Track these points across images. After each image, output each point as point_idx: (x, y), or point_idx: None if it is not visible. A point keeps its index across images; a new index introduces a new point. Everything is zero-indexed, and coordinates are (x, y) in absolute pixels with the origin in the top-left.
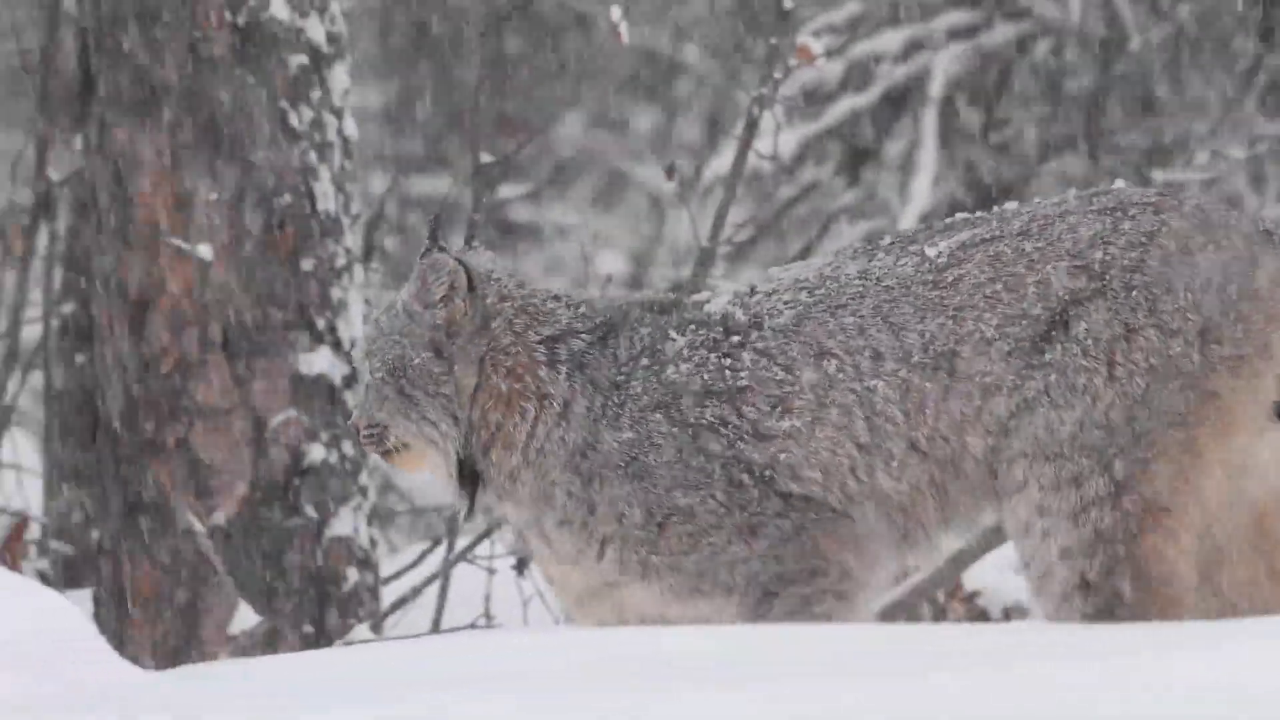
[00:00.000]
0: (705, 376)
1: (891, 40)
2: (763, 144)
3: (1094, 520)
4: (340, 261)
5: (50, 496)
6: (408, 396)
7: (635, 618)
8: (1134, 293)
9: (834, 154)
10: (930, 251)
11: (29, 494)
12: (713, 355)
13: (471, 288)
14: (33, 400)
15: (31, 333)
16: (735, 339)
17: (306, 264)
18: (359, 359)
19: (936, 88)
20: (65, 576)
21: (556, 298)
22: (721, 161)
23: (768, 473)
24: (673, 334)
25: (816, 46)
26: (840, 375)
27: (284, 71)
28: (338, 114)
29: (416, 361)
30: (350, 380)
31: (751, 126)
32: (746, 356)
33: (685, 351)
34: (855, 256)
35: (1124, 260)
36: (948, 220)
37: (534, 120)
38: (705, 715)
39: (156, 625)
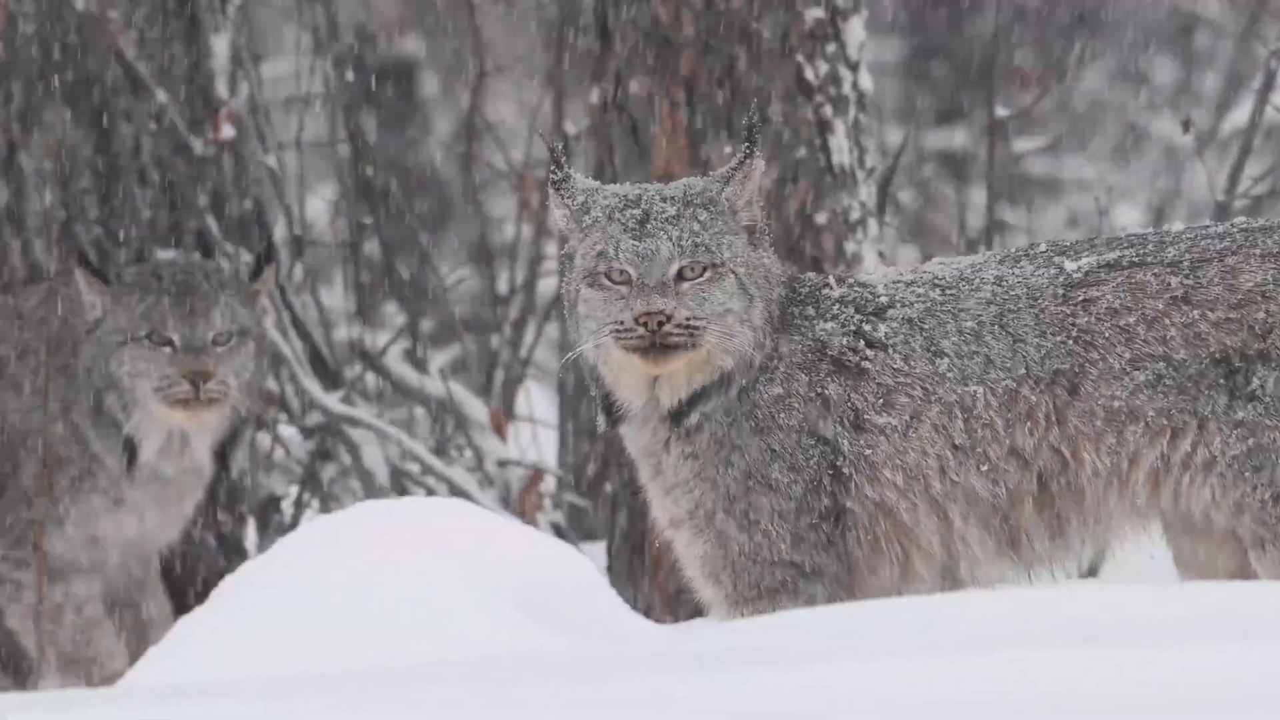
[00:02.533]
0: (841, 340)
1: None
2: None
3: None
4: (854, 215)
5: (565, 449)
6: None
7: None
8: None
9: None
10: (1069, 266)
11: (544, 447)
12: (855, 315)
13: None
14: (549, 352)
15: (548, 286)
16: (873, 308)
17: (820, 218)
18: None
19: None
20: (579, 529)
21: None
22: (1239, 115)
23: (847, 470)
24: (832, 283)
25: None
26: (949, 375)
27: (800, 25)
28: (853, 68)
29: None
30: None
31: (1270, 79)
32: (883, 330)
33: (835, 305)
34: (1004, 260)
35: None
36: (1112, 235)
37: (1050, 73)
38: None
39: (670, 578)
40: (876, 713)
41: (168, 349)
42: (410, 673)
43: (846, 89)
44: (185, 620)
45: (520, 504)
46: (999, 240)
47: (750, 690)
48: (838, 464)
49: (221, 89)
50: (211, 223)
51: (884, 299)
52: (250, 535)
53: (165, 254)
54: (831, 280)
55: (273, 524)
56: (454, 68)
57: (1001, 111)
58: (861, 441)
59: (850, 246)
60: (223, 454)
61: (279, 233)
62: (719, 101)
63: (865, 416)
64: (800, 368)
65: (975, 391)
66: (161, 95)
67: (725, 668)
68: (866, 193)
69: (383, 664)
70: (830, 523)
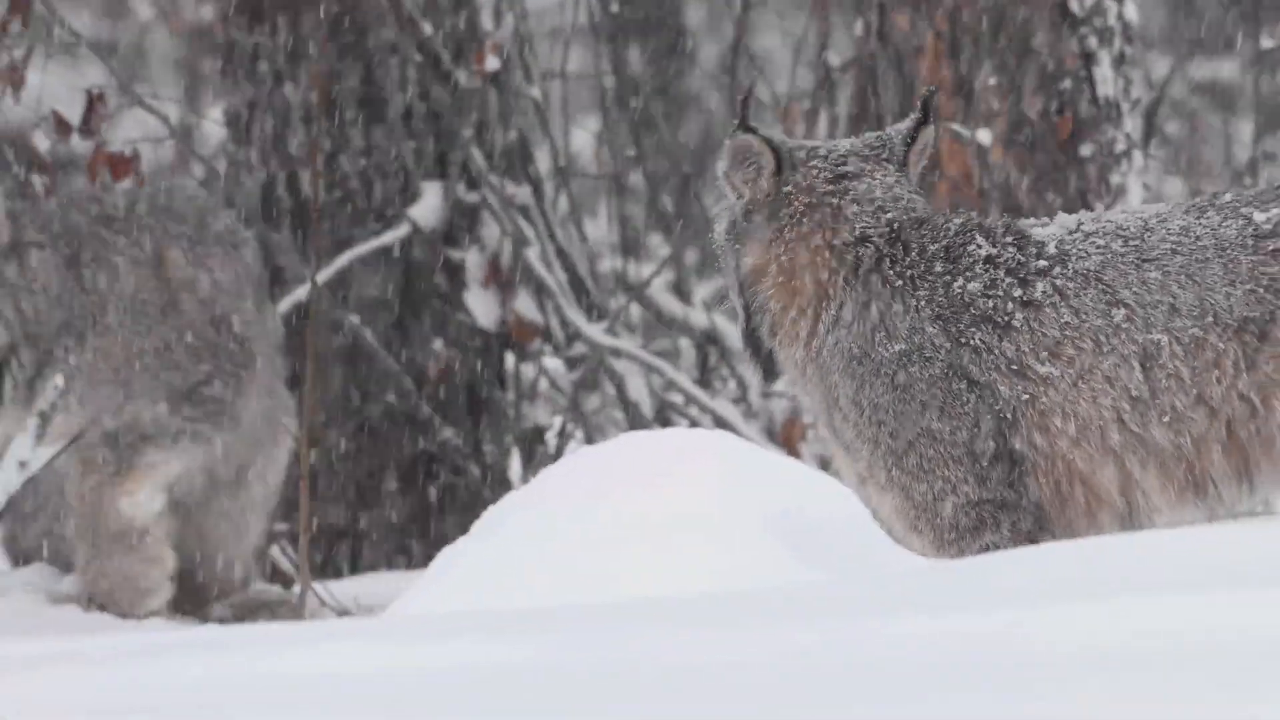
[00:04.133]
0: (989, 300)
1: None
2: None
3: None
4: (1119, 147)
5: None
6: (720, 267)
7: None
8: None
9: None
10: (1259, 216)
11: None
12: (1008, 277)
13: (778, 172)
14: None
15: None
16: (1038, 265)
17: (1085, 149)
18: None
19: None
20: None
21: (861, 200)
22: None
23: (1008, 415)
24: (980, 240)
25: None
26: (1126, 325)
27: None
28: None
29: (718, 237)
30: None
31: None
32: (1039, 289)
33: (982, 265)
34: (1189, 210)
35: None
36: None
37: None
38: None
39: None
40: (1193, 647)
41: None
42: (674, 605)
43: (1111, 19)
44: (448, 550)
45: (784, 436)
46: (1265, 172)
47: (1030, 629)
48: (998, 409)
49: (486, 21)
50: (476, 154)
51: (1045, 261)
52: (515, 466)
53: None
54: (980, 238)
55: (537, 455)
56: None
57: (1268, 42)
58: (1021, 388)
59: (1115, 179)
60: None
61: (544, 164)
62: (984, 31)
63: (1028, 363)
64: (930, 320)
65: (1159, 340)
66: (426, 27)
67: (1000, 604)
68: (1131, 125)
69: (644, 596)
70: (1006, 464)
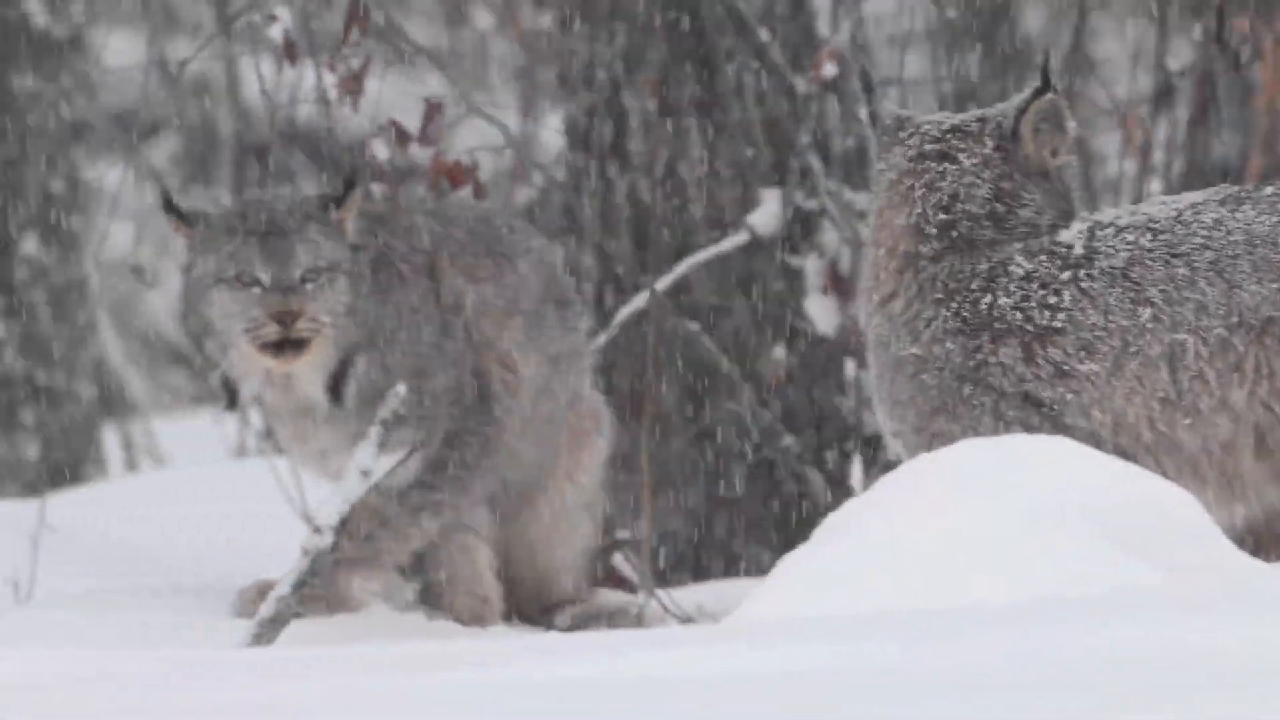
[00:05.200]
0: (1020, 313)
1: None
2: None
3: None
4: None
5: None
6: None
7: None
8: None
9: None
10: None
11: None
12: (1038, 290)
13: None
14: None
15: None
16: (1065, 275)
17: None
18: None
19: None
20: None
21: (931, 186)
22: None
23: (1056, 408)
24: (1019, 259)
25: None
26: (1152, 325)
27: None
28: None
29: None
30: None
31: None
32: (1068, 295)
33: (1017, 284)
34: (1224, 202)
35: None
36: None
37: None
38: None
39: None
40: None
41: (256, 289)
42: (1015, 608)
43: None
44: (789, 557)
45: None
46: None
47: None
48: (1044, 408)
49: (823, 27)
50: (814, 161)
51: (1081, 253)
52: (856, 472)
53: (253, 192)
54: (1019, 258)
55: (878, 461)
56: (1057, 3)
57: None
58: (1068, 387)
59: None
60: (336, 387)
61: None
62: None
63: (1067, 366)
64: (951, 335)
65: (1184, 341)
66: (764, 34)
67: None
68: None
69: (984, 601)
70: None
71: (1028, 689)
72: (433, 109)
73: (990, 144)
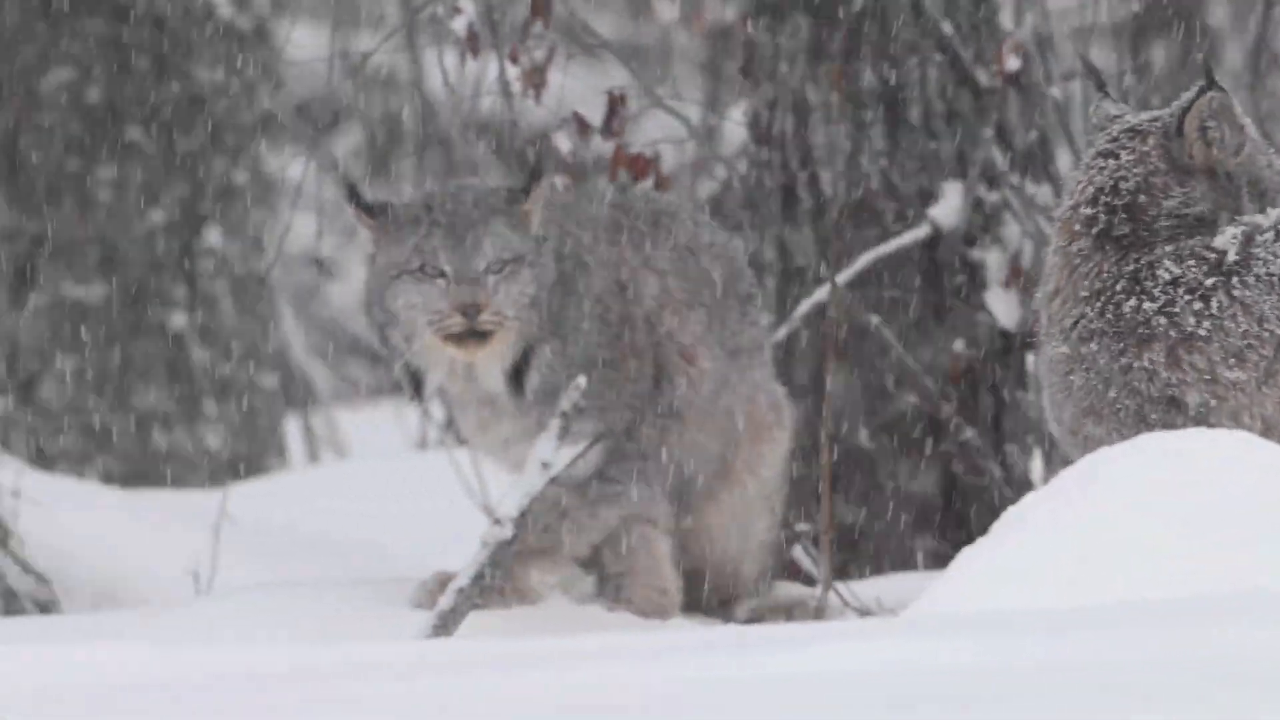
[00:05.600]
0: (1165, 318)
1: None
2: None
3: None
4: None
5: None
6: None
7: None
8: None
9: None
10: None
11: None
12: (1184, 295)
13: None
14: None
15: None
16: (1212, 281)
17: None
18: None
19: None
20: None
21: (1093, 183)
22: None
23: (1201, 411)
24: (1168, 263)
25: None
26: None
27: None
28: None
29: None
30: None
31: None
32: (1215, 302)
33: (1163, 288)
34: None
35: None
36: None
37: None
38: None
39: None
40: None
41: (440, 281)
42: (1203, 602)
43: None
44: (968, 550)
45: None
46: None
47: None
48: (1188, 413)
49: (1006, 20)
50: (997, 155)
51: (1234, 259)
52: (1036, 466)
53: (438, 184)
54: (1168, 262)
55: (1058, 455)
56: None
57: None
58: (1209, 392)
59: None
60: (518, 378)
61: (1064, 164)
62: None
63: (1215, 372)
64: (1093, 337)
65: None
66: (947, 27)
67: None
68: None
69: (1167, 596)
70: None
71: (1224, 684)
72: (615, 101)
73: (1152, 141)
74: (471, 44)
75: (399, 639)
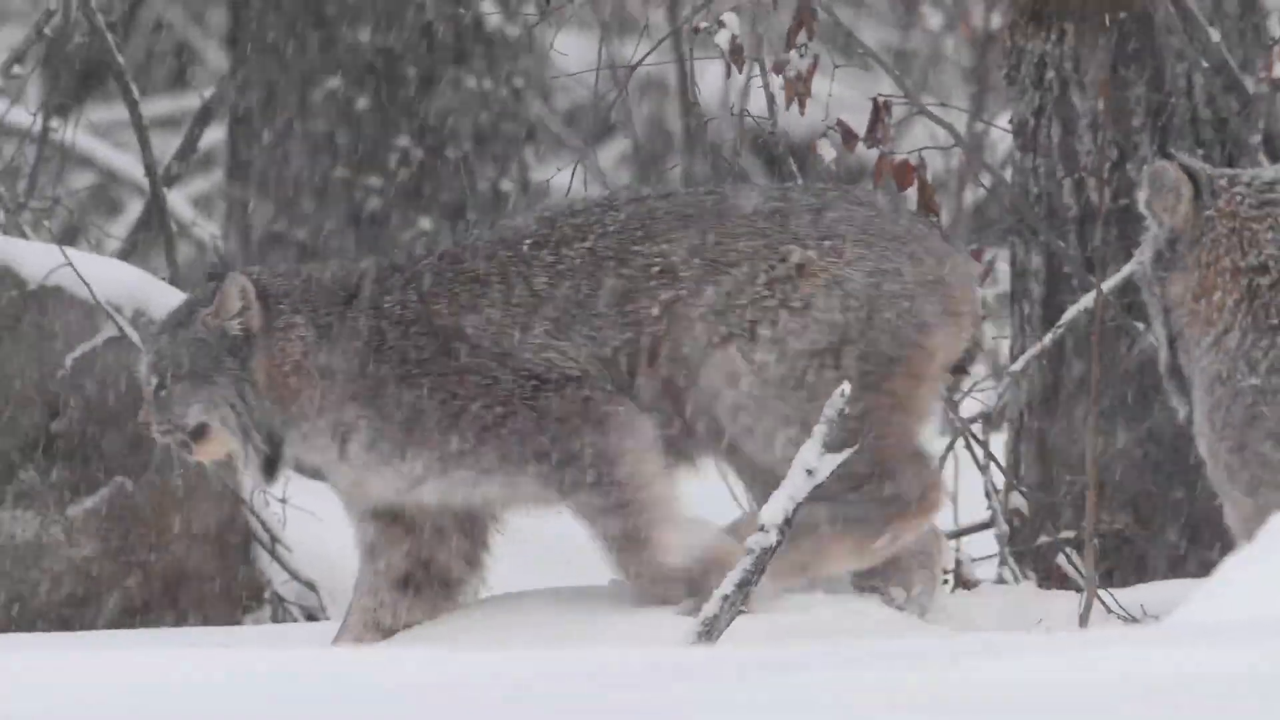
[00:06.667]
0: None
1: None
2: None
3: None
4: None
5: None
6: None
7: None
8: None
9: None
10: None
11: None
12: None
13: (1197, 197)
14: None
15: None
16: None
17: None
18: None
19: None
20: None
21: (1277, 228)
22: None
23: None
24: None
25: None
26: None
27: None
28: None
29: (1144, 265)
30: None
31: None
32: None
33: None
34: None
35: None
36: None
37: None
38: None
39: None
40: None
41: None
42: None
43: None
44: (1234, 557)
45: None
46: None
47: None
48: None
49: (1274, 26)
50: (1264, 161)
51: None
52: None
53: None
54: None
55: None
56: None
57: None
58: None
59: None
60: None
61: None
62: None
63: None
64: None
65: None
66: (1214, 34)
67: None
68: None
69: None
70: None
71: None
72: (880, 109)
73: None
74: (735, 58)
75: (661, 644)
